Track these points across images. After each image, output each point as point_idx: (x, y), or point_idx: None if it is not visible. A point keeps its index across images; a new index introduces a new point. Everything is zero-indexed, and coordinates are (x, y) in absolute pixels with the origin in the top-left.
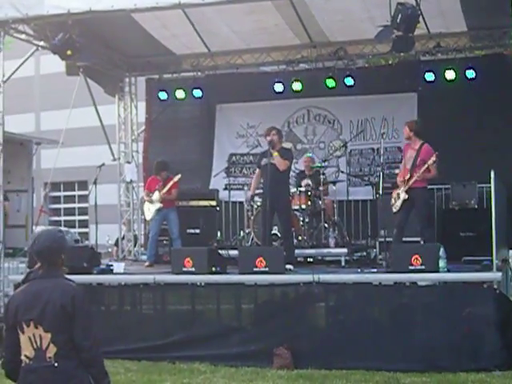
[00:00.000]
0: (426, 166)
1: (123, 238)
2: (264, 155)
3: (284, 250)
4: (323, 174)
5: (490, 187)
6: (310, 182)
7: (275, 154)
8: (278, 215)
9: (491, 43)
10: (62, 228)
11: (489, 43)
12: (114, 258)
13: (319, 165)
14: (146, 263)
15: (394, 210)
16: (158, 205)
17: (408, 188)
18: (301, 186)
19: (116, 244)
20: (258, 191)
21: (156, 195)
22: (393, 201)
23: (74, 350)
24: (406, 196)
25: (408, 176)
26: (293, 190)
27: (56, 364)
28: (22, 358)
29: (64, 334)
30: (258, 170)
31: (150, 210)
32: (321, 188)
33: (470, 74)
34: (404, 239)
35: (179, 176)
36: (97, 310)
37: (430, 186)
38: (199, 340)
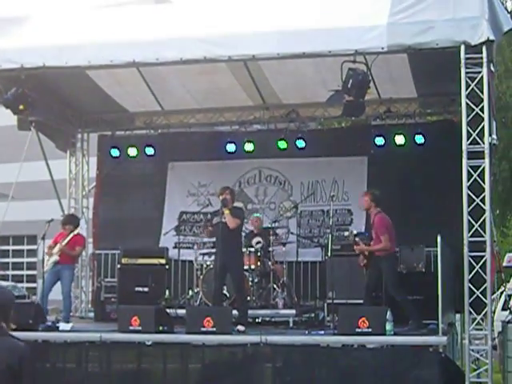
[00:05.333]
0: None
1: None
2: (216, 214)
3: (237, 309)
4: (275, 234)
5: (437, 251)
6: (260, 239)
7: (226, 211)
8: (230, 274)
9: (440, 110)
10: (10, 283)
11: (438, 110)
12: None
13: (269, 226)
14: None
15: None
16: (56, 257)
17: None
18: (251, 246)
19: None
20: (208, 250)
21: (57, 247)
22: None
23: None
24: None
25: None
26: (243, 249)
27: None
28: None
29: None
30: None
31: (47, 262)
32: (270, 248)
33: (419, 139)
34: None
35: (78, 230)
36: (42, 367)
37: None
38: None
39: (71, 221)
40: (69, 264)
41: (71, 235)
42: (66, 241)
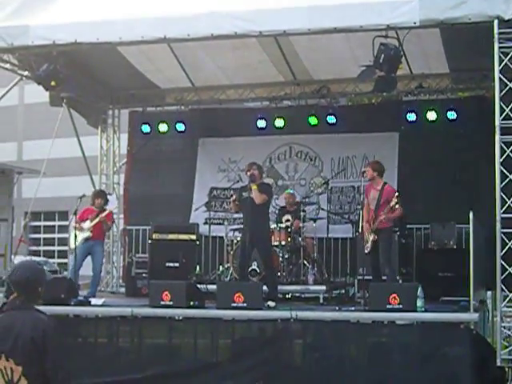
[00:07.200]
0: (389, 206)
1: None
2: (244, 189)
3: (266, 285)
4: (304, 210)
5: (469, 228)
6: (290, 217)
7: (254, 187)
8: (257, 250)
9: (473, 85)
10: (42, 258)
11: (470, 85)
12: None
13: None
14: None
15: (366, 251)
16: (87, 233)
17: (375, 229)
18: (281, 222)
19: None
20: (238, 226)
21: (87, 223)
22: (364, 242)
23: (45, 383)
24: (375, 237)
25: (373, 217)
26: (273, 226)
27: None
28: None
29: (35, 367)
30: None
31: (76, 238)
32: (301, 225)
33: (451, 115)
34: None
35: (110, 209)
36: (73, 341)
37: (409, 226)
38: (176, 374)
39: (102, 195)
40: (101, 240)
41: (103, 214)
42: (97, 219)
